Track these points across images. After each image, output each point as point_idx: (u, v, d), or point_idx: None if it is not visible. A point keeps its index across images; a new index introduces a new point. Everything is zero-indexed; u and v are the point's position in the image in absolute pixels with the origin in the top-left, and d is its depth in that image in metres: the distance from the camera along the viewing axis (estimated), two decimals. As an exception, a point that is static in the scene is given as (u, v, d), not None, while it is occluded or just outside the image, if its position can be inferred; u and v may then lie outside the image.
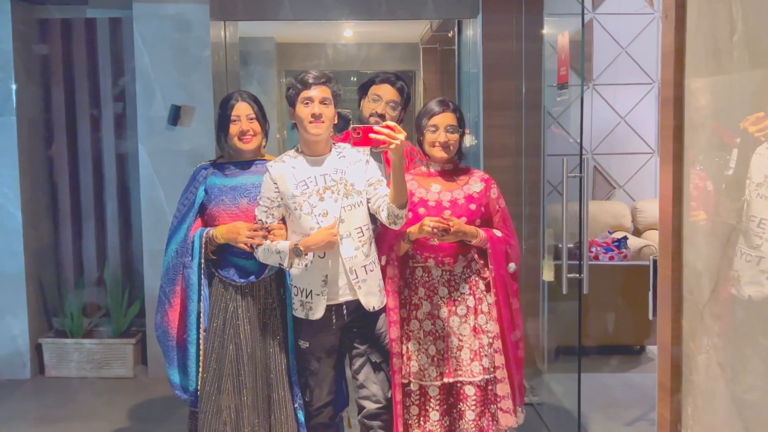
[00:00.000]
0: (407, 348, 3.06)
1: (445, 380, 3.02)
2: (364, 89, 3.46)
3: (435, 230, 2.88)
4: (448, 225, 2.90)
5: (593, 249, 5.32)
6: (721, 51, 1.74)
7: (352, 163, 2.97)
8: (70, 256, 5.30)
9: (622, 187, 6.73)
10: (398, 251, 3.05)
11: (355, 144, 2.73)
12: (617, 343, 5.23)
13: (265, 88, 7.74)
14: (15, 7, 4.80)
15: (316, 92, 2.89)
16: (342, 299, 2.95)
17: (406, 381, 3.05)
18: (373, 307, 2.97)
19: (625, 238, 5.56)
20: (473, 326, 3.04)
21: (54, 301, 5.23)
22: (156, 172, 4.79)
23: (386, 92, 3.38)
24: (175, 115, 4.70)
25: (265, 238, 2.93)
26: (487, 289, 3.08)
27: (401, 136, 2.67)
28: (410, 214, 3.00)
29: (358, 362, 3.05)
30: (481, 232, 3.00)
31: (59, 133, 5.24)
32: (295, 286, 3.00)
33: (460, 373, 3.00)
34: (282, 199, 2.94)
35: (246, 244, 2.96)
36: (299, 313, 2.99)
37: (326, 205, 2.89)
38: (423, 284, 3.06)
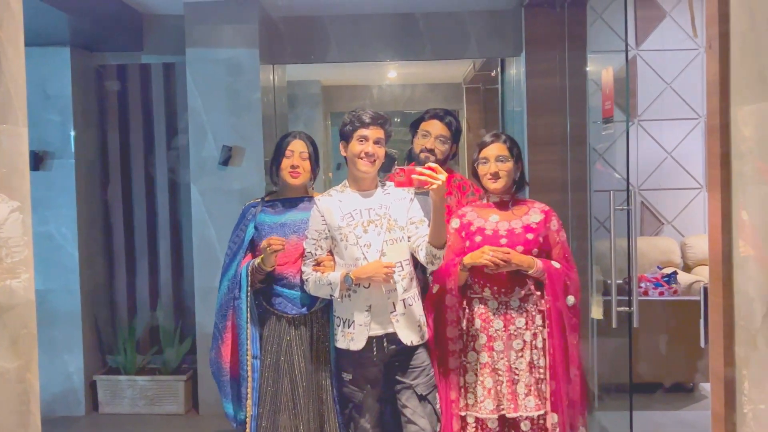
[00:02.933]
0: (464, 380, 3.07)
1: (503, 414, 3.00)
2: (414, 127, 3.54)
3: (494, 260, 2.90)
4: (509, 257, 2.91)
5: (642, 284, 5.26)
6: (767, 78, 1.76)
7: (397, 200, 3.05)
8: (124, 294, 5.42)
9: (670, 222, 6.66)
10: (457, 281, 3.06)
11: (399, 185, 2.81)
12: (668, 380, 5.12)
13: (311, 130, 7.84)
14: (74, 55, 5.01)
15: (372, 132, 3.00)
16: (383, 331, 2.99)
17: (463, 413, 3.05)
18: (412, 342, 3.01)
19: (675, 273, 5.48)
20: (529, 360, 3.02)
21: (108, 339, 5.33)
22: (207, 211, 4.90)
23: (435, 127, 3.45)
24: (227, 156, 4.83)
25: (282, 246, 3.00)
26: (544, 323, 3.06)
27: (442, 177, 2.73)
28: (468, 243, 3.05)
29: (403, 396, 3.06)
30: (538, 262, 2.99)
31: (114, 175, 5.40)
32: (337, 317, 3.06)
33: (515, 407, 2.98)
34: (329, 231, 3.04)
35: (270, 249, 3.00)
36: (341, 344, 3.04)
37: (370, 238, 2.97)
38: (479, 315, 3.06)
